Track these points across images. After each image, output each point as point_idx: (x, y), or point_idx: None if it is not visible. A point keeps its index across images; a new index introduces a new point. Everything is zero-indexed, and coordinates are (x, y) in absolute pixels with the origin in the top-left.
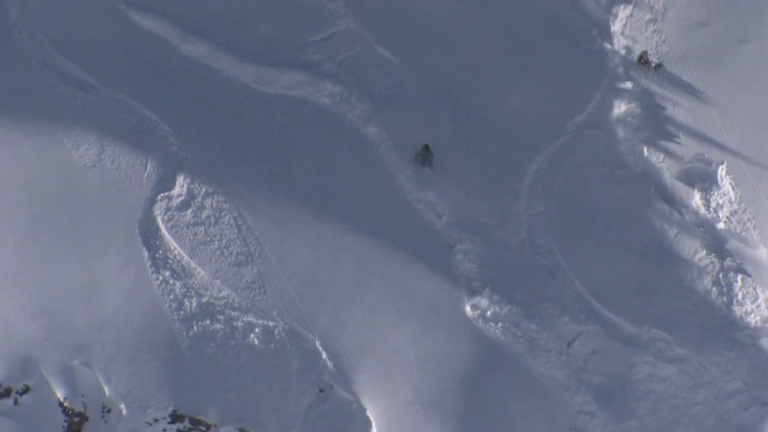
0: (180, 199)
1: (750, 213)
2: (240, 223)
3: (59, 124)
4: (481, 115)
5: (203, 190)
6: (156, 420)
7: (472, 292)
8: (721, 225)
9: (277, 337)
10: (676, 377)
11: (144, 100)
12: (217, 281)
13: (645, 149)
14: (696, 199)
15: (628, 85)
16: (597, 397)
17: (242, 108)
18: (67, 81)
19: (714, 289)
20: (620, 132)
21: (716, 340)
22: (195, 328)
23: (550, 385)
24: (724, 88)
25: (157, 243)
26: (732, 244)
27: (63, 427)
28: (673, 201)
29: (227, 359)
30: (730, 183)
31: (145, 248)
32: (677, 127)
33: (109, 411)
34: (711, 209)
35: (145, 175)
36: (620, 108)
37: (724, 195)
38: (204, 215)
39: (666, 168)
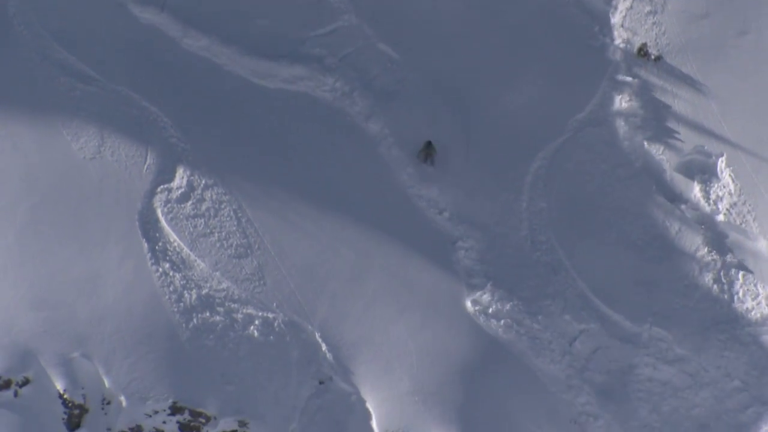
0: (180, 191)
1: (750, 205)
2: (240, 215)
3: (59, 116)
4: (483, 112)
5: (203, 182)
6: (156, 412)
7: (473, 288)
8: (720, 217)
9: (277, 329)
10: (676, 378)
11: (144, 92)
12: (217, 273)
13: (645, 142)
14: (696, 191)
15: (629, 79)
16: (599, 397)
17: (242, 102)
18: (66, 73)
19: (715, 286)
20: (621, 129)
21: (716, 338)
22: (195, 320)
23: (552, 384)
24: (724, 79)
25: (157, 235)
26: (732, 236)
27: (63, 419)
28: (674, 197)
29: (227, 351)
30: (729, 175)
31: (144, 240)
32: (677, 119)
33: (108, 403)
34: (711, 201)
35: (145, 167)
36: (621, 104)
37: (724, 187)
38: (204, 207)
39: (666, 161)
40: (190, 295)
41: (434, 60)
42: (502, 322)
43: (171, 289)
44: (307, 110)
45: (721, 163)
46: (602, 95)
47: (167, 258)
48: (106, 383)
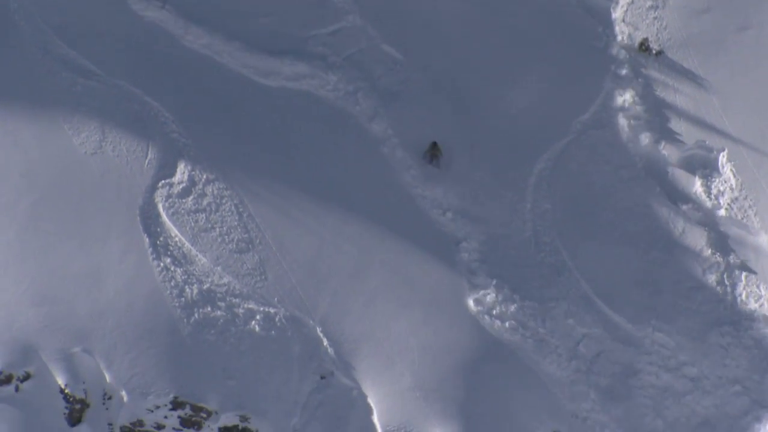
0: (181, 186)
1: (751, 200)
2: (241, 210)
3: (60, 111)
4: (486, 113)
5: (204, 177)
6: (157, 407)
7: (476, 287)
8: (722, 212)
9: (278, 324)
10: (678, 384)
11: (145, 87)
12: (218, 268)
13: (646, 138)
14: (697, 186)
15: (630, 74)
16: (604, 404)
17: (244, 99)
18: (67, 68)
19: (718, 288)
20: (624, 130)
21: (718, 344)
22: (196, 315)
23: (555, 386)
24: (725, 74)
25: (158, 230)
26: (733, 231)
27: (64, 414)
28: (677, 197)
29: (228, 346)
30: (731, 170)
31: (146, 235)
32: (678, 114)
33: (110, 398)
34: (712, 196)
35: (146, 162)
36: (622, 100)
37: (725, 182)
38: (205, 202)
39: (668, 157)
40: (192, 290)
41: (438, 61)
42: (507, 324)
43: (172, 284)
44: (310, 109)
45: (723, 158)
46: (605, 96)
47: (168, 253)
48: (108, 378)
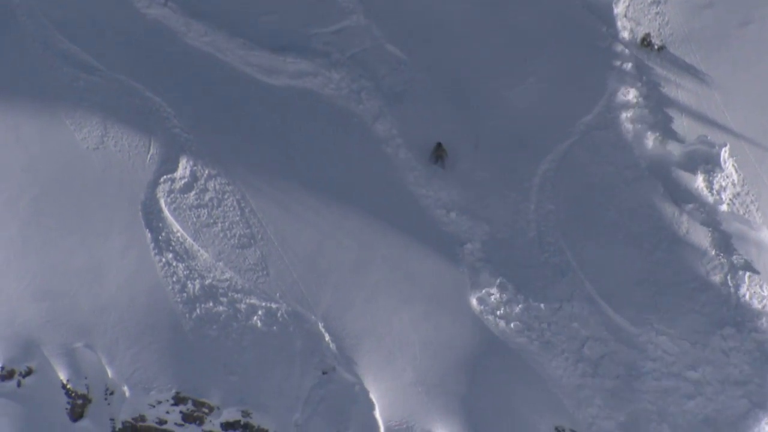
0: (183, 182)
1: (753, 195)
2: (243, 205)
3: (62, 106)
4: (491, 113)
5: (206, 172)
6: (159, 402)
7: (480, 285)
8: (724, 207)
9: (280, 320)
10: (681, 390)
11: (147, 82)
12: (220, 263)
13: (650, 138)
14: (699, 181)
15: (632, 69)
16: (610, 409)
17: (246, 97)
18: (69, 63)
19: (722, 289)
20: (628, 131)
21: (720, 348)
22: (198, 310)
23: (563, 393)
24: (727, 70)
25: (160, 225)
26: (735, 226)
27: (66, 409)
28: (680, 198)
29: (230, 341)
30: (733, 165)
31: (148, 230)
32: (680, 110)
33: (112, 393)
34: (714, 191)
35: (148, 157)
36: (627, 101)
37: (727, 177)
38: (207, 197)
39: (672, 156)
40: (194, 285)
41: (442, 61)
42: (512, 325)
43: (174, 279)
44: (313, 108)
45: (725, 153)
46: (609, 97)
47: (170, 248)
48: (110, 373)
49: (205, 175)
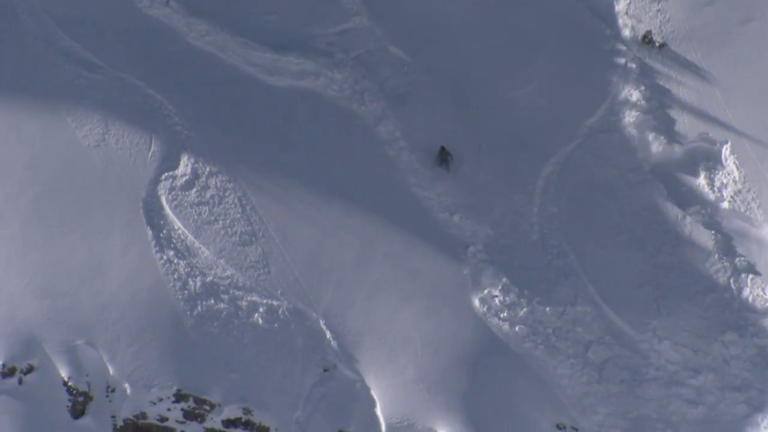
0: (184, 179)
1: (754, 192)
2: (244, 202)
3: (63, 104)
4: (494, 115)
5: (207, 169)
6: (160, 399)
7: (482, 287)
8: (725, 205)
9: (281, 317)
10: (684, 397)
11: (148, 79)
12: (222, 260)
13: (653, 139)
14: (700, 179)
15: (638, 78)
16: (615, 418)
17: (248, 97)
18: (71, 60)
19: (725, 293)
20: (632, 134)
21: (722, 355)
22: (199, 307)
23: (568, 402)
24: (728, 67)
25: (161, 222)
26: (736, 224)
27: (67, 406)
28: (684, 200)
29: (231, 339)
30: (734, 162)
31: (149, 228)
32: (681, 107)
33: (113, 390)
34: (715, 189)
35: (150, 154)
36: (630, 104)
37: (729, 174)
38: (208, 195)
39: (674, 155)
40: (195, 282)
41: (446, 63)
42: (517, 328)
43: (175, 276)
44: (315, 108)
45: (726, 151)
46: (612, 100)
47: (171, 245)
48: (111, 371)
49: (206, 173)
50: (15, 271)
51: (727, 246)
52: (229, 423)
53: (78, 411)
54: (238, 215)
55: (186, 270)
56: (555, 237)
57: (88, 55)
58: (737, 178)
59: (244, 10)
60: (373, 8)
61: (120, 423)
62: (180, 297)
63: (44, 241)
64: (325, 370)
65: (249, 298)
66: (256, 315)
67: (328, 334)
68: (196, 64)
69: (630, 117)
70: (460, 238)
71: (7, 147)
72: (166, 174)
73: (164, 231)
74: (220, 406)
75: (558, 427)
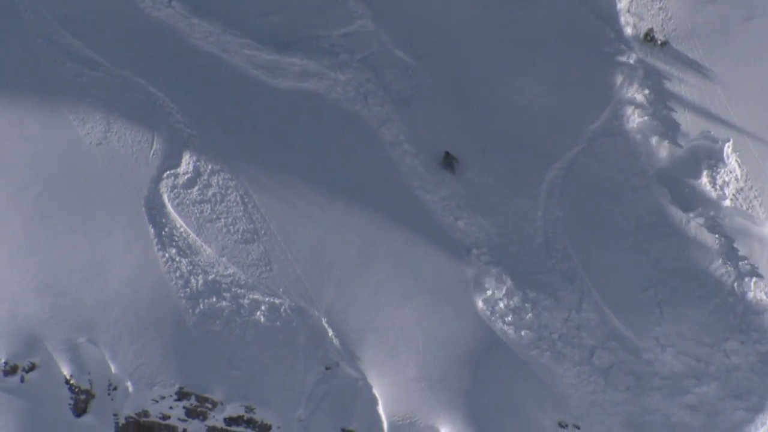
0: (186, 177)
1: (756, 190)
2: (246, 200)
3: (65, 102)
4: (498, 119)
5: (209, 167)
6: (162, 397)
7: (485, 288)
8: (727, 203)
9: (284, 315)
10: (686, 403)
11: (150, 77)
12: (224, 259)
13: (657, 143)
14: (702, 177)
15: (642, 81)
16: (621, 424)
17: (250, 97)
18: (73, 58)
19: (728, 298)
20: (636, 138)
21: (723, 363)
22: (201, 305)
23: (575, 412)
24: (730, 65)
25: (163, 220)
26: (738, 222)
27: (69, 404)
28: (688, 205)
29: (233, 337)
30: (736, 160)
31: (151, 226)
32: (683, 105)
33: (115, 388)
34: (717, 187)
35: (152, 152)
36: (633, 108)
37: (731, 172)
38: (210, 193)
39: (676, 156)
40: (197, 280)
41: (450, 67)
42: (523, 333)
43: (177, 274)
44: (318, 110)
45: (728, 149)
46: (616, 104)
47: (173, 243)
48: (113, 369)
49: (208, 171)
50: (17, 269)
51: (730, 249)
52: (231, 421)
53: (80, 409)
54: (240, 213)
55: (188, 268)
56: (559, 241)
57: (90, 53)
58: (739, 176)
59: (246, 11)
60: (378, 11)
61: (122, 421)
62: (182, 295)
63: (46, 239)
64: (327, 368)
65: (251, 296)
66: (258, 313)
67: (330, 332)
68: (198, 63)
69: (634, 121)
70: (464, 242)
71: (9, 145)
72: (168, 172)
73: (166, 229)
74: (222, 404)
75: (560, 424)
